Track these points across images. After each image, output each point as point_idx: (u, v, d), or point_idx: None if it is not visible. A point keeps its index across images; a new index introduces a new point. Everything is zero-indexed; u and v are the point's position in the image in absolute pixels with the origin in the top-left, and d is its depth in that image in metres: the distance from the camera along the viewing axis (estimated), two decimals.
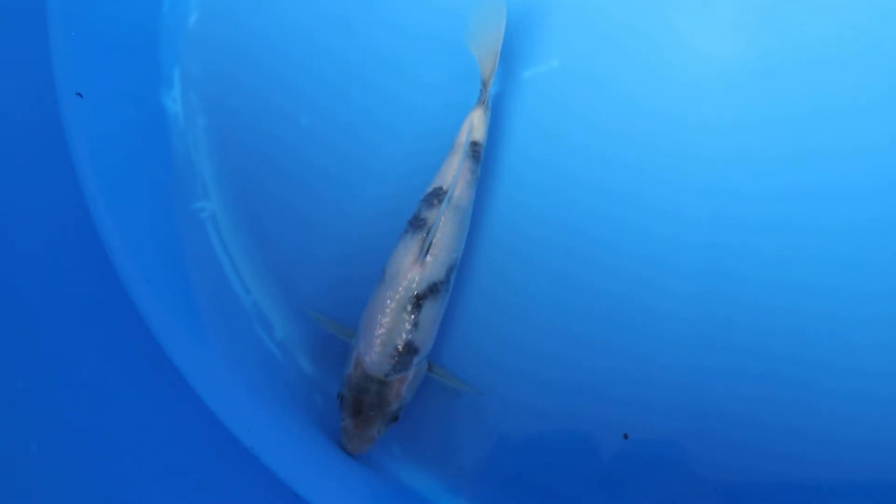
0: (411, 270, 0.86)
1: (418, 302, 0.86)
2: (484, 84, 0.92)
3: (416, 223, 0.89)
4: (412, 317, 0.86)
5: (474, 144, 0.91)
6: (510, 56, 0.99)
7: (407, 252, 0.87)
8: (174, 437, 0.86)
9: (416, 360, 0.87)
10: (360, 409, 0.86)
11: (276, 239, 0.99)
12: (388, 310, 0.86)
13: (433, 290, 0.87)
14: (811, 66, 0.96)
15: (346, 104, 1.00)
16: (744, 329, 0.94)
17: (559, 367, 0.95)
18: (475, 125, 0.91)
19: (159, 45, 0.99)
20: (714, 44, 0.98)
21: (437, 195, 0.89)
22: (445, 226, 0.88)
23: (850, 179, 0.95)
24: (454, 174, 0.89)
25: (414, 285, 0.86)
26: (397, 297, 0.86)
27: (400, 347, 0.85)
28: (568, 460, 0.94)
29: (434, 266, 0.87)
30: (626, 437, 0.93)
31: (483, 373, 0.95)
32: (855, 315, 0.94)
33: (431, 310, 0.87)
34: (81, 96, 0.91)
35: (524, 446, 0.94)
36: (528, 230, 0.97)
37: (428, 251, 0.86)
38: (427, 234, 0.87)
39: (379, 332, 0.85)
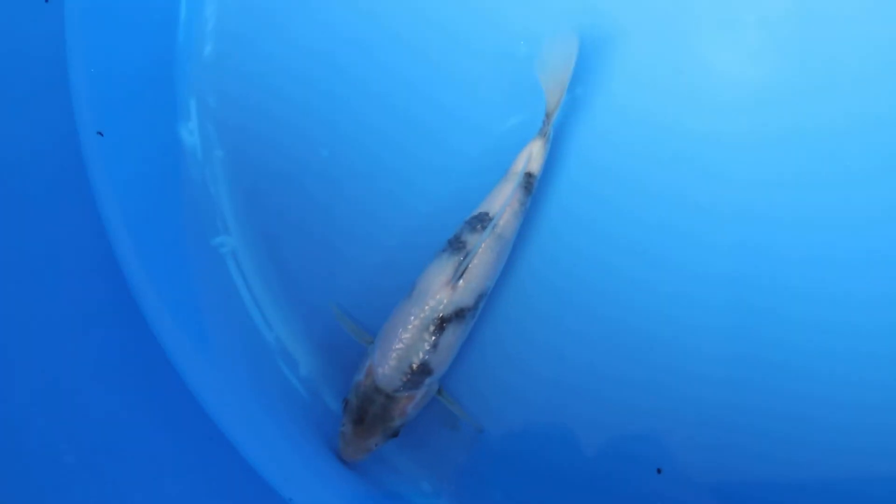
0: (441, 291, 0.84)
1: (442, 324, 0.84)
2: (548, 116, 0.91)
3: (456, 244, 0.87)
4: (433, 338, 0.84)
5: (528, 176, 0.90)
6: (536, 84, 0.96)
7: (440, 272, 0.86)
8: (201, 476, 0.86)
9: (428, 381, 0.85)
10: (363, 419, 0.84)
11: (298, 272, 0.97)
12: (410, 326, 0.84)
13: (459, 315, 0.85)
14: (836, 85, 0.95)
15: (373, 132, 0.97)
16: (774, 365, 0.92)
17: (584, 401, 0.93)
18: (533, 156, 0.90)
19: (175, 77, 0.98)
20: (737, 67, 0.96)
21: (482, 220, 0.88)
22: (484, 253, 0.86)
23: (879, 201, 0.93)
24: (503, 202, 0.88)
25: (441, 307, 0.84)
26: (422, 315, 0.84)
27: (415, 366, 0.84)
28: (595, 496, 0.91)
29: (465, 291, 0.85)
30: (659, 471, 0.90)
31: (500, 402, 0.93)
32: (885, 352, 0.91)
33: (454, 334, 0.85)
34: (102, 135, 0.90)
35: (551, 480, 0.92)
36: (564, 263, 0.95)
37: (462, 275, 0.85)
38: (464, 258, 0.85)
39: (396, 346, 0.84)
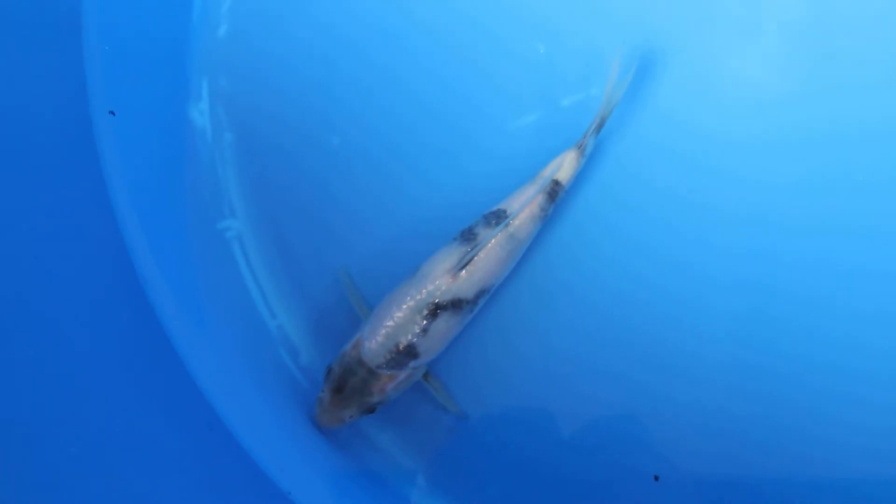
0: (441, 278, 0.83)
1: (436, 310, 0.83)
2: (589, 127, 0.90)
3: (467, 235, 0.86)
4: (424, 322, 0.83)
5: (556, 183, 0.88)
6: (553, 82, 0.96)
7: (445, 259, 0.85)
8: (200, 467, 0.85)
9: (413, 363, 0.84)
10: (342, 388, 0.84)
11: (303, 260, 0.96)
12: (404, 306, 0.83)
13: (455, 305, 0.84)
14: (854, 89, 0.93)
15: (384, 118, 0.96)
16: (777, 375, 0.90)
17: (588, 403, 0.91)
18: (564, 165, 0.89)
19: (188, 57, 0.97)
20: (758, 70, 0.95)
21: (498, 216, 0.87)
22: (493, 249, 0.85)
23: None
24: (522, 203, 0.87)
25: (438, 293, 0.83)
26: (418, 297, 0.83)
27: (401, 346, 0.83)
28: (593, 497, 0.90)
29: (466, 282, 0.84)
30: (656, 478, 0.89)
31: (500, 398, 0.92)
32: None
33: (446, 323, 0.84)
34: (114, 114, 0.90)
35: (548, 481, 0.91)
36: (579, 260, 0.93)
37: (465, 266, 0.84)
38: (471, 250, 0.84)
39: (387, 323, 0.83)
